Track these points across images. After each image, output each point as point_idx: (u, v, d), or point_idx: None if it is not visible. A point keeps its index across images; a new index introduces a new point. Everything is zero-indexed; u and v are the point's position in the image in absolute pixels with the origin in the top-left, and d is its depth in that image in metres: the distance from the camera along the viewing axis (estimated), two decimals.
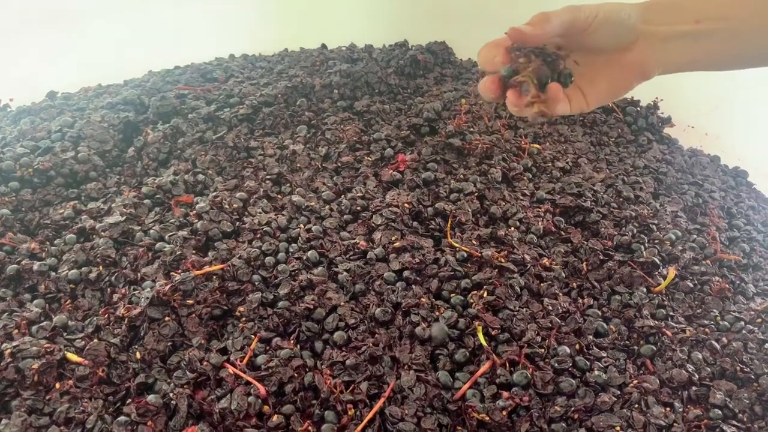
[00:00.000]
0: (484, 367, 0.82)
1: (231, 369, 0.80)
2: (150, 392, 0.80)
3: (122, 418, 0.74)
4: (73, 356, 0.80)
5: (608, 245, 1.07)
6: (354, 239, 1.04)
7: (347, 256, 1.02)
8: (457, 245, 1.01)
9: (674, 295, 1.00)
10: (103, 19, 1.55)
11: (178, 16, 1.65)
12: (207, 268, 0.92)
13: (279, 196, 1.16)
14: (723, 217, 1.22)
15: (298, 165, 1.25)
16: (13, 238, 1.02)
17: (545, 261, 1.02)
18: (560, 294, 0.97)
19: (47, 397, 0.76)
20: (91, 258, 0.98)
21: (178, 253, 0.96)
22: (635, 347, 0.90)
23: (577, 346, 0.88)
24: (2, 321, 0.85)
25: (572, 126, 1.46)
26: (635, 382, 0.83)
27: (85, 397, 0.77)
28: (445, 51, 1.77)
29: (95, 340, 0.83)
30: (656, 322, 0.93)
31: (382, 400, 0.78)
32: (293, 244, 1.02)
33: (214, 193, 1.12)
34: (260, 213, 1.10)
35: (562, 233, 1.10)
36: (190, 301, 0.88)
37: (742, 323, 0.93)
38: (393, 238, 1.03)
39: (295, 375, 0.80)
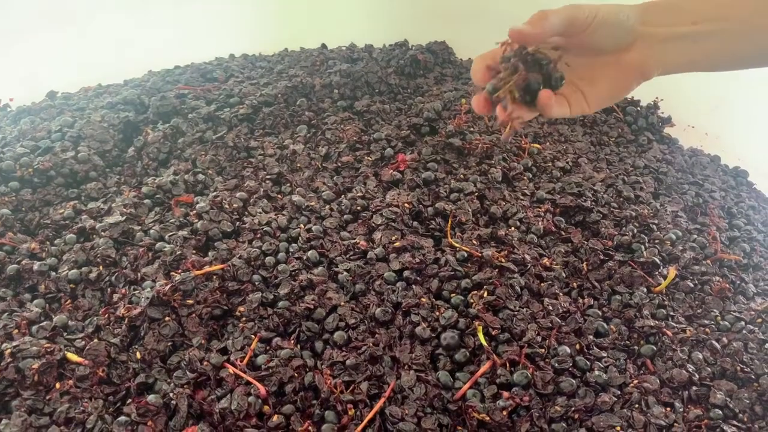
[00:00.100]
0: (485, 367, 0.82)
1: (231, 369, 0.80)
2: (150, 392, 0.80)
3: (122, 418, 0.74)
4: (73, 356, 0.80)
5: (608, 245, 1.07)
6: (354, 239, 1.04)
7: (347, 256, 1.02)
8: (457, 245, 1.01)
9: (674, 295, 1.00)
10: (102, 18, 1.55)
11: (178, 16, 1.65)
12: (207, 268, 0.92)
13: (279, 196, 1.16)
14: (723, 217, 1.22)
15: (298, 165, 1.25)
16: (14, 237, 1.02)
17: (545, 261, 1.02)
18: (560, 294, 0.97)
19: (47, 397, 0.76)
20: (91, 258, 0.98)
21: (178, 253, 0.96)
22: (635, 347, 0.90)
23: (578, 346, 0.88)
24: (2, 321, 0.85)
25: (572, 126, 1.46)
26: (635, 382, 0.83)
27: (86, 397, 0.77)
28: (446, 51, 1.77)
29: (95, 340, 0.83)
30: (656, 322, 0.93)
31: (382, 400, 0.78)
32: (293, 244, 1.02)
33: (214, 193, 1.12)
34: (260, 213, 1.10)
35: (563, 233, 1.10)
36: (191, 301, 0.88)
37: (743, 323, 0.93)
38: (393, 238, 1.03)
39: (296, 375, 0.80)
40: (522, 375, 0.81)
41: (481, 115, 1.38)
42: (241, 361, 0.81)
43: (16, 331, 0.84)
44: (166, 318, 0.86)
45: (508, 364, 0.83)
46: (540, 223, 1.10)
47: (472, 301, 0.91)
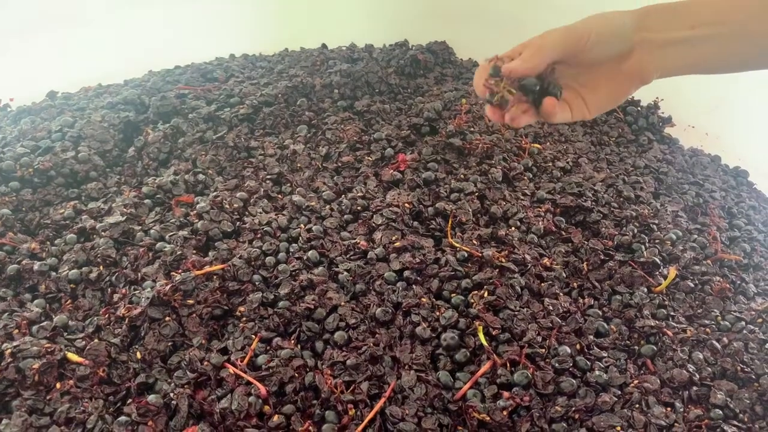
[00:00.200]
0: (485, 367, 0.81)
1: (231, 369, 0.80)
2: (150, 392, 0.80)
3: (123, 418, 0.74)
4: (73, 356, 0.80)
5: (609, 245, 1.07)
6: (354, 239, 1.04)
7: (348, 256, 1.02)
8: (457, 245, 1.01)
9: (675, 295, 1.00)
10: (103, 19, 1.55)
11: (178, 16, 1.65)
12: (207, 268, 0.92)
13: (279, 196, 1.16)
14: (724, 217, 1.22)
15: (299, 165, 1.25)
16: (14, 238, 1.02)
17: (546, 261, 1.02)
18: (561, 294, 0.97)
19: (48, 397, 0.76)
20: (92, 258, 0.98)
21: (179, 253, 0.96)
22: (636, 347, 0.90)
23: (578, 346, 0.88)
24: (3, 321, 0.85)
25: (572, 126, 1.46)
26: (636, 382, 0.83)
27: (86, 397, 0.77)
28: (446, 51, 1.77)
29: (96, 340, 0.83)
30: (657, 322, 0.93)
31: (382, 400, 0.78)
32: (294, 244, 1.02)
33: (215, 193, 1.12)
34: (261, 213, 1.10)
35: (563, 233, 1.10)
36: (191, 301, 0.88)
37: (743, 323, 0.93)
38: (393, 238, 1.03)
39: (296, 375, 0.80)
40: (522, 375, 0.81)
41: (480, 114, 1.38)
42: (242, 361, 0.81)
43: (17, 331, 0.84)
44: (167, 318, 0.86)
45: (508, 364, 0.83)
46: (540, 223, 1.10)
47: (472, 301, 0.91)
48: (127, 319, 0.85)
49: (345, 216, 1.10)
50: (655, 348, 0.89)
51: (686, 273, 1.04)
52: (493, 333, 0.86)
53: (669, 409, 0.80)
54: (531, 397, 0.79)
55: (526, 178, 1.24)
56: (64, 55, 1.49)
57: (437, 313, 0.89)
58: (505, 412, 0.76)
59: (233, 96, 1.43)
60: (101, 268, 0.96)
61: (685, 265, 1.05)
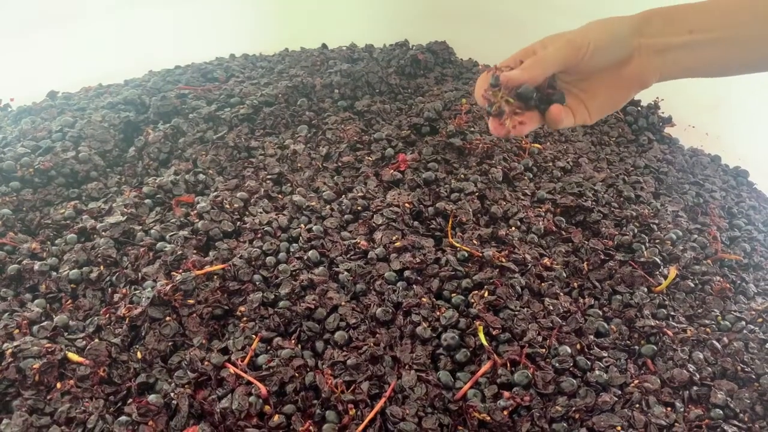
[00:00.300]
0: (485, 366, 0.81)
1: (232, 369, 0.80)
2: (151, 392, 0.80)
3: (123, 417, 0.74)
4: (74, 356, 0.80)
5: (609, 245, 1.07)
6: (355, 239, 1.04)
7: (348, 255, 1.02)
8: (458, 245, 1.01)
9: (675, 295, 1.00)
10: (103, 19, 1.56)
11: (178, 16, 1.65)
12: (208, 268, 0.92)
13: (280, 196, 1.16)
14: (724, 217, 1.22)
15: (299, 165, 1.25)
16: (14, 237, 1.02)
17: (546, 261, 1.02)
18: (561, 294, 0.97)
19: (48, 397, 0.76)
20: (92, 258, 0.98)
21: (179, 252, 0.96)
22: (636, 347, 0.90)
23: (578, 346, 0.88)
24: (3, 321, 0.85)
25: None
26: (636, 381, 0.83)
27: (86, 396, 0.77)
28: (446, 51, 1.77)
29: (96, 340, 0.83)
30: (657, 321, 0.93)
31: (383, 399, 0.78)
32: (294, 244, 1.02)
33: (215, 193, 1.12)
34: (261, 213, 1.10)
35: (563, 233, 1.10)
36: (191, 301, 0.88)
37: (743, 323, 0.93)
38: (394, 238, 1.03)
39: (296, 375, 0.80)
40: (523, 375, 0.81)
41: (480, 114, 1.38)
42: (242, 361, 0.81)
43: (17, 331, 0.84)
44: (167, 318, 0.86)
45: (508, 364, 0.83)
46: (541, 222, 1.10)
47: (472, 300, 0.91)
48: (127, 319, 0.85)
49: (345, 216, 1.10)
50: (656, 348, 0.89)
51: (686, 273, 1.04)
52: (494, 333, 0.86)
53: (669, 408, 0.80)
54: (531, 396, 0.79)
55: (526, 178, 1.24)
56: (64, 55, 1.50)
57: (437, 313, 0.89)
58: (505, 412, 0.76)
59: (233, 96, 1.43)
60: (102, 268, 0.96)
61: (686, 265, 1.05)
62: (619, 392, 0.82)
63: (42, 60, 1.46)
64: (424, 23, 1.80)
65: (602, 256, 1.04)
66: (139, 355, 0.83)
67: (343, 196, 1.15)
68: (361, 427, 0.74)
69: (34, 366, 0.77)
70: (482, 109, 0.76)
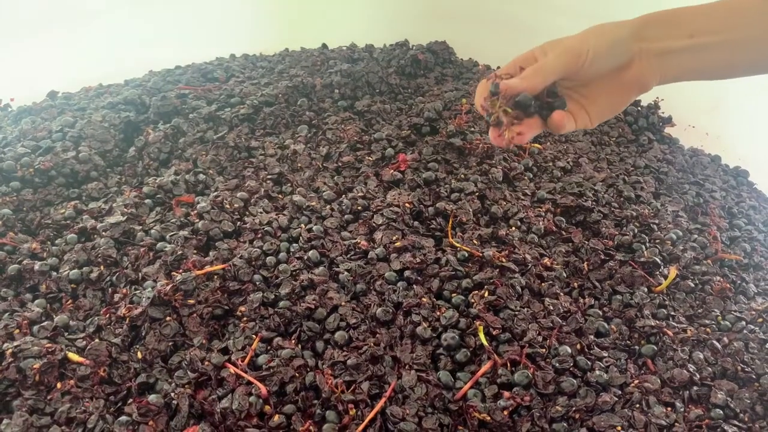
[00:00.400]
0: (486, 366, 0.82)
1: (232, 369, 0.80)
2: (151, 392, 0.80)
3: (123, 417, 0.74)
4: (74, 356, 0.80)
5: (609, 245, 1.07)
6: (355, 239, 1.04)
7: (348, 255, 1.02)
8: (458, 245, 1.01)
9: (675, 295, 1.00)
10: (103, 19, 1.56)
11: (178, 16, 1.65)
12: (208, 268, 0.92)
13: (280, 196, 1.16)
14: (724, 217, 1.22)
15: (299, 165, 1.25)
16: (15, 237, 1.02)
17: (546, 261, 1.02)
18: (561, 294, 0.97)
19: (48, 397, 0.76)
20: (92, 258, 0.98)
21: (179, 252, 0.96)
22: (636, 347, 0.90)
23: (578, 346, 0.88)
24: (4, 321, 0.85)
25: None
26: (636, 381, 0.83)
27: (87, 396, 0.77)
28: (446, 51, 1.77)
29: (96, 340, 0.83)
30: (657, 321, 0.93)
31: (383, 399, 0.78)
32: (294, 244, 1.02)
33: (215, 193, 1.12)
34: (261, 213, 1.10)
35: (563, 233, 1.10)
36: (191, 301, 0.88)
37: (743, 323, 0.93)
38: (394, 238, 1.03)
39: (297, 375, 0.80)
40: (523, 375, 0.81)
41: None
42: (242, 361, 0.81)
43: (18, 331, 0.84)
44: (167, 318, 0.86)
45: (509, 364, 0.83)
46: (541, 222, 1.10)
47: (472, 300, 0.91)
48: (127, 319, 0.85)
49: (345, 216, 1.10)
50: (656, 348, 0.89)
51: (686, 273, 1.04)
52: (494, 333, 0.86)
53: (669, 408, 0.80)
54: (531, 396, 0.79)
55: (526, 178, 1.24)
56: (64, 55, 1.50)
57: (438, 313, 0.89)
58: (505, 412, 0.76)
59: (234, 96, 1.43)
60: (102, 268, 0.96)
61: (686, 265, 1.05)
62: (619, 392, 0.82)
63: (42, 60, 1.46)
64: (424, 23, 1.80)
65: (602, 256, 1.04)
66: (139, 355, 0.83)
67: (343, 196, 1.15)
68: (361, 427, 0.74)
69: (34, 366, 0.77)
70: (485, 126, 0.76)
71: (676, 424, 0.77)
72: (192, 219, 1.05)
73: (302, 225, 1.07)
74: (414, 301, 0.91)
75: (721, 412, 0.79)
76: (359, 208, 1.11)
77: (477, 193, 1.15)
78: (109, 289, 0.94)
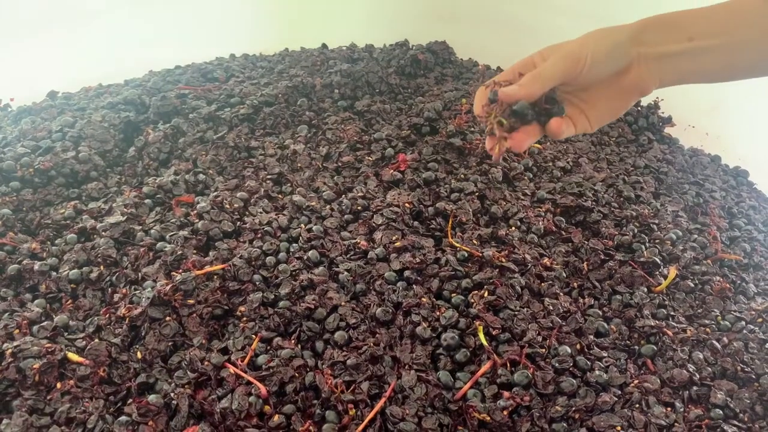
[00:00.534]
0: (485, 366, 0.82)
1: (232, 369, 0.80)
2: (151, 392, 0.80)
3: (123, 418, 0.74)
4: (74, 356, 0.80)
5: (609, 245, 1.07)
6: (355, 239, 1.04)
7: (348, 255, 1.02)
8: (457, 245, 1.01)
9: (675, 295, 1.00)
10: (103, 19, 1.56)
11: (178, 16, 1.65)
12: (208, 268, 0.92)
13: (280, 196, 1.16)
14: (724, 217, 1.22)
15: (299, 165, 1.25)
16: (14, 237, 1.02)
17: (546, 261, 1.02)
18: (561, 294, 0.97)
19: (48, 397, 0.76)
20: (92, 258, 0.98)
21: (179, 252, 0.96)
22: (636, 347, 0.90)
23: (578, 346, 0.88)
24: (3, 321, 0.85)
25: None
26: (636, 381, 0.83)
27: (86, 396, 0.77)
28: (446, 51, 1.77)
29: (96, 340, 0.83)
30: (657, 321, 0.93)
31: (383, 399, 0.78)
32: (294, 244, 1.02)
33: (215, 193, 1.12)
34: (261, 213, 1.10)
35: (563, 233, 1.10)
36: (191, 301, 0.88)
37: (743, 323, 0.93)
38: (394, 238, 1.03)
39: (296, 375, 0.80)
40: (522, 375, 0.81)
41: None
42: (242, 361, 0.81)
43: (17, 331, 0.84)
44: (167, 318, 0.86)
45: (508, 364, 0.83)
46: (540, 222, 1.10)
47: (472, 300, 0.91)
48: (127, 319, 0.85)
49: (345, 216, 1.10)
50: (656, 348, 0.89)
51: (686, 273, 1.04)
52: (494, 333, 0.86)
53: (669, 408, 0.80)
54: (531, 396, 0.79)
55: (526, 177, 1.24)
56: (64, 55, 1.50)
57: (437, 313, 0.89)
58: (505, 412, 0.76)
59: (234, 96, 1.43)
60: (102, 268, 0.96)
61: (685, 265, 1.05)
62: (619, 392, 0.82)
63: (42, 60, 1.46)
64: (424, 23, 1.80)
65: (602, 256, 1.04)
66: (139, 355, 0.83)
67: (343, 196, 1.15)
68: (361, 427, 0.74)
69: (34, 366, 0.77)
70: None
71: (675, 424, 0.77)
72: (192, 219, 1.05)
73: (302, 225, 1.07)
74: (414, 301, 0.91)
75: (721, 412, 0.79)
76: (359, 208, 1.11)
77: (477, 193, 1.15)
78: (109, 289, 0.94)
